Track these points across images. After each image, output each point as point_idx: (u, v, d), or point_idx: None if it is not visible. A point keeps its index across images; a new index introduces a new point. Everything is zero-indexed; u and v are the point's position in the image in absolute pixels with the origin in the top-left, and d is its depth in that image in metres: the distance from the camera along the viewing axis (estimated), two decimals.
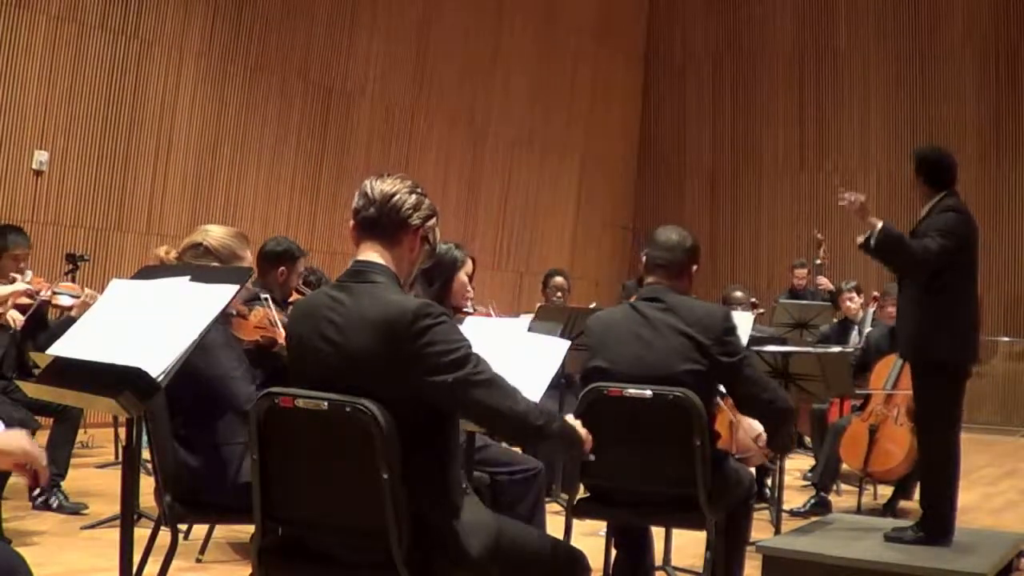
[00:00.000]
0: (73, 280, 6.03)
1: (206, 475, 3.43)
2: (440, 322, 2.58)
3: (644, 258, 4.04)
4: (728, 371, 3.79)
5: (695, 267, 4.01)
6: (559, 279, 8.32)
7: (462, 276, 4.58)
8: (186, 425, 3.48)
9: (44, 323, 5.57)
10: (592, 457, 2.86)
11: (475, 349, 2.63)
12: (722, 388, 4.00)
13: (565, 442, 2.77)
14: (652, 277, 3.97)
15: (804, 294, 10.47)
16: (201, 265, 3.62)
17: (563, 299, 8.17)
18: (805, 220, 13.77)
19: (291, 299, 5.50)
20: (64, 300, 5.43)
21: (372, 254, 2.73)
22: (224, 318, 3.65)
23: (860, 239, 4.75)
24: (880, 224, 4.67)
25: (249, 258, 3.88)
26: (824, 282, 9.72)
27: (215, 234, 3.81)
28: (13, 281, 5.35)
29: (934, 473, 4.87)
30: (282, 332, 4.11)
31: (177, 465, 3.43)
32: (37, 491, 5.49)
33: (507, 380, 2.66)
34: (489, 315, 5.81)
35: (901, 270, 4.89)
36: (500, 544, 2.67)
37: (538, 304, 7.41)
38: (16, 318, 5.36)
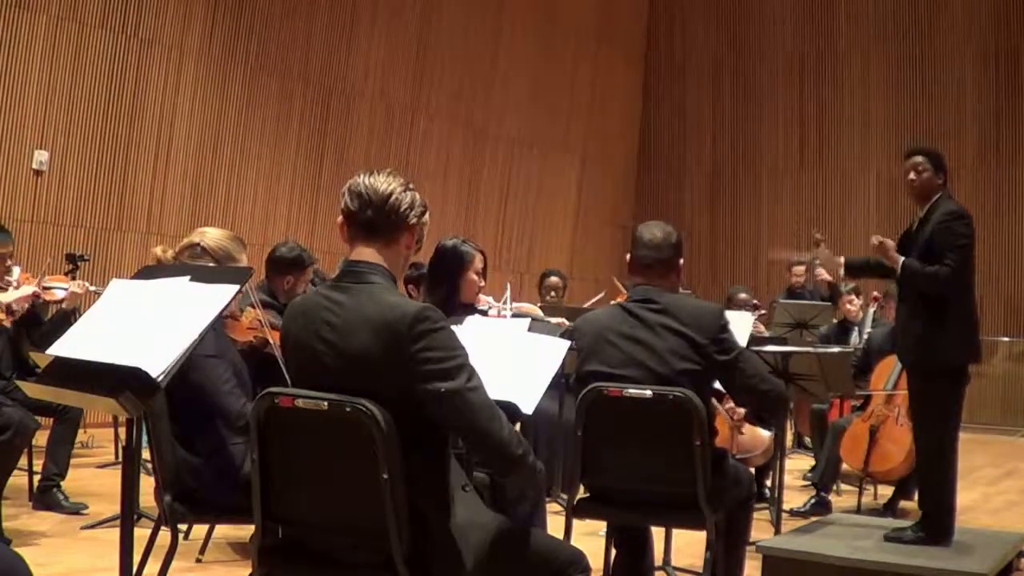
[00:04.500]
0: (73, 280, 6.03)
1: (206, 475, 3.43)
2: (439, 328, 2.56)
3: (629, 258, 3.96)
4: (724, 368, 3.78)
5: (681, 260, 3.96)
6: (554, 279, 8.36)
7: (471, 275, 4.49)
8: (185, 426, 3.48)
9: (38, 320, 5.58)
10: None
11: (476, 348, 2.63)
12: (718, 386, 3.98)
13: (534, 480, 2.75)
14: (640, 277, 3.92)
15: (802, 293, 10.42)
16: (202, 265, 3.62)
17: (557, 298, 8.18)
18: (805, 220, 13.76)
19: None
20: (58, 293, 5.50)
21: (368, 254, 2.71)
22: (217, 322, 3.61)
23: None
24: (901, 260, 4.80)
25: (245, 262, 3.88)
26: (822, 273, 9.65)
27: (212, 236, 3.86)
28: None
29: (933, 474, 4.86)
30: (273, 331, 4.08)
31: (177, 465, 3.43)
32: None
33: (505, 382, 2.66)
34: (503, 310, 5.75)
35: (925, 291, 4.88)
36: (500, 544, 2.67)
37: (538, 304, 7.40)
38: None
